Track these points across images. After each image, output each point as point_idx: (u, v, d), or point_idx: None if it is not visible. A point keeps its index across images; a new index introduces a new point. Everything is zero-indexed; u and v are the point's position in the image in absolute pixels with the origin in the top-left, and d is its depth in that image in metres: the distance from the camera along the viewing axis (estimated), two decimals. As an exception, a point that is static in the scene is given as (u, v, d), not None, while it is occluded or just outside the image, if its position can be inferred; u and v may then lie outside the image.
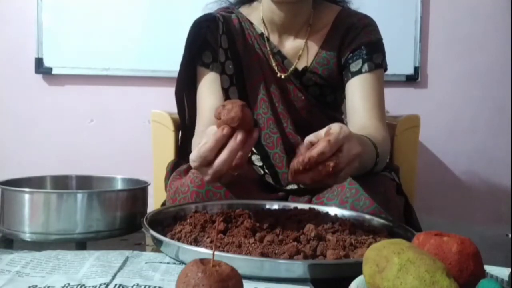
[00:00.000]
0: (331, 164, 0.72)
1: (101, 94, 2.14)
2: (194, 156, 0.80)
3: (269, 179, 1.11)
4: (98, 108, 2.14)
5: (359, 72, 1.14)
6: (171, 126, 1.51)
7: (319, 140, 0.75)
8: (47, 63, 2.08)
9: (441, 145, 2.23)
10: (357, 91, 1.13)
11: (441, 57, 2.22)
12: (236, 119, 0.75)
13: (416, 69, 2.19)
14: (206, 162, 0.78)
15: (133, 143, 2.11)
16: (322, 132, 0.77)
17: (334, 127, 0.76)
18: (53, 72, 2.09)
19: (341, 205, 0.94)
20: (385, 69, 1.19)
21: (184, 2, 2.02)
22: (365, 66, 1.13)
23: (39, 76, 2.11)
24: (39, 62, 2.08)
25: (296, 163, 0.73)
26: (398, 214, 0.98)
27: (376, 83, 1.14)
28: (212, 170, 0.78)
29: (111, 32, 2.08)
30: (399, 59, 2.14)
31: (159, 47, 2.06)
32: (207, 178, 0.81)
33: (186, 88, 1.24)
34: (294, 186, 1.09)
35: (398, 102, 2.12)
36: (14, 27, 2.09)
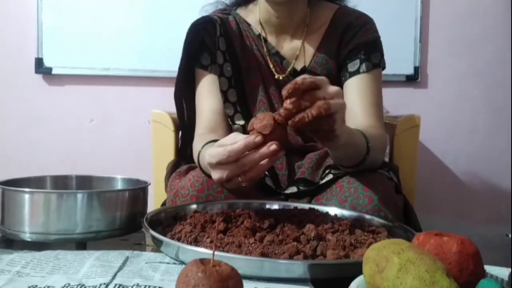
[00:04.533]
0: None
1: (101, 94, 2.14)
2: (215, 153, 0.80)
3: (269, 181, 1.11)
4: (98, 108, 2.14)
5: (357, 72, 1.14)
6: (171, 126, 1.51)
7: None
8: (47, 63, 2.08)
9: (441, 145, 2.23)
10: (355, 91, 1.13)
11: (441, 57, 2.22)
12: (268, 126, 0.76)
13: (416, 69, 2.19)
14: (226, 161, 0.79)
15: (133, 143, 2.11)
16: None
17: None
18: (53, 72, 2.09)
19: (340, 205, 0.94)
20: (383, 68, 1.19)
21: (184, 2, 2.02)
22: (363, 66, 1.13)
23: (39, 76, 2.11)
24: (39, 62, 2.08)
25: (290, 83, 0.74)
26: (397, 213, 0.98)
27: (374, 82, 1.14)
28: (234, 166, 0.78)
29: (111, 32, 2.08)
30: (399, 59, 2.14)
31: (159, 47, 2.06)
32: (219, 176, 0.81)
33: (185, 90, 1.24)
34: (294, 190, 1.09)
35: (398, 102, 2.12)
36: (14, 27, 2.09)
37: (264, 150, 0.76)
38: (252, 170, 0.78)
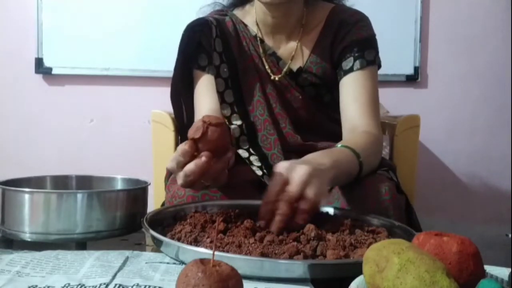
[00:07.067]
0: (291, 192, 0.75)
1: (101, 94, 2.14)
2: (172, 157, 0.82)
3: (267, 180, 1.11)
4: (98, 108, 2.15)
5: (350, 70, 1.13)
6: (171, 126, 1.51)
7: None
8: (47, 63, 2.08)
9: (441, 145, 2.23)
10: (349, 90, 1.12)
11: (441, 57, 2.22)
12: (198, 129, 0.78)
13: (416, 69, 2.19)
14: (176, 168, 0.81)
15: (133, 143, 2.11)
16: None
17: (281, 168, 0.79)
18: (53, 72, 2.09)
19: (342, 208, 0.94)
20: (379, 66, 1.18)
21: (184, 2, 2.02)
22: (357, 64, 1.13)
23: (39, 76, 2.11)
24: (39, 62, 2.08)
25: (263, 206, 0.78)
26: (400, 213, 0.98)
27: (369, 80, 1.13)
28: (181, 177, 0.80)
29: (111, 32, 2.09)
30: (399, 59, 2.14)
31: (159, 47, 2.07)
32: (179, 181, 0.82)
33: (183, 91, 1.24)
34: None
35: (398, 102, 2.12)
36: (14, 27, 2.09)
37: (197, 161, 0.78)
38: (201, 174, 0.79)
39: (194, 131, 0.78)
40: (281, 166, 0.80)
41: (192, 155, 0.78)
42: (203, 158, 0.77)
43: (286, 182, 0.77)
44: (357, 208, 0.94)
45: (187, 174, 0.79)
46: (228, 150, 0.82)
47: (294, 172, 0.77)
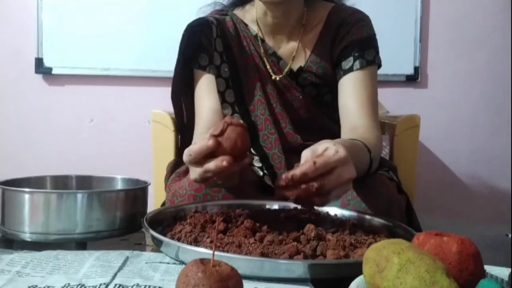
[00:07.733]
0: (315, 185, 0.73)
1: (101, 94, 2.14)
2: (187, 151, 0.82)
3: (268, 181, 1.11)
4: (98, 108, 2.15)
5: (350, 70, 1.13)
6: (171, 126, 1.51)
7: (307, 159, 0.75)
8: (47, 63, 2.08)
9: (441, 145, 2.23)
10: (349, 89, 1.12)
11: (441, 57, 2.22)
12: (218, 127, 0.79)
13: (416, 69, 2.19)
14: (193, 162, 0.81)
15: (133, 143, 2.11)
16: (319, 148, 0.77)
17: (330, 150, 0.75)
18: (53, 72, 2.09)
19: (342, 208, 0.94)
20: (379, 66, 1.18)
21: (184, 2, 2.02)
22: (357, 64, 1.13)
23: (39, 76, 2.11)
24: (39, 62, 2.08)
25: (279, 179, 0.74)
26: (400, 214, 0.98)
27: (368, 80, 1.13)
28: (197, 172, 0.80)
29: (111, 32, 2.09)
30: (399, 59, 2.14)
31: (159, 47, 2.07)
32: (193, 177, 0.83)
33: (183, 90, 1.24)
34: None
35: (398, 102, 2.12)
36: (14, 27, 2.09)
37: (218, 163, 0.77)
38: (219, 175, 0.79)
39: (214, 129, 0.79)
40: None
41: (211, 153, 0.78)
42: (224, 163, 0.76)
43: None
44: (357, 208, 0.94)
45: (207, 171, 0.79)
46: (246, 153, 0.82)
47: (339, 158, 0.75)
